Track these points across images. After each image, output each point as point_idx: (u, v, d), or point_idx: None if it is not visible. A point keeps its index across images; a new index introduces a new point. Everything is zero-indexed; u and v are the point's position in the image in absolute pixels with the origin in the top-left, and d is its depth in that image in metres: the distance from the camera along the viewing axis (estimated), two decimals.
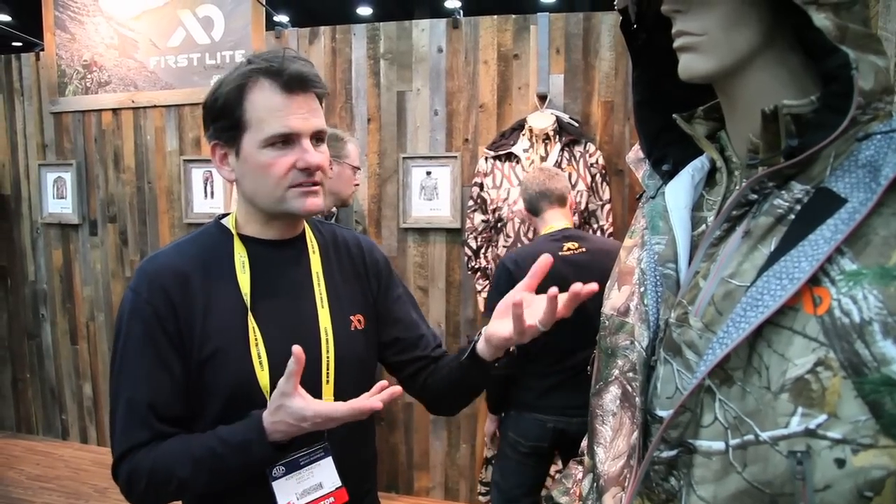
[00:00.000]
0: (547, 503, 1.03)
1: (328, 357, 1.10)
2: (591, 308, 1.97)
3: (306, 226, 1.20)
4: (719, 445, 0.64)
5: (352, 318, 1.17)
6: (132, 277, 1.08)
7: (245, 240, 1.12)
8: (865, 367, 0.56)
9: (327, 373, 1.10)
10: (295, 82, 1.03)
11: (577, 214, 2.76)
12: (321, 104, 1.10)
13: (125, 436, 1.03)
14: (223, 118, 1.06)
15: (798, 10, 0.63)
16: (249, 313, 1.06)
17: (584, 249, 2.04)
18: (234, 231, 1.13)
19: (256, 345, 1.05)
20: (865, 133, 0.63)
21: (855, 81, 0.60)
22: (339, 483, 1.07)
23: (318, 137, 1.07)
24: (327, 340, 1.11)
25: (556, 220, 2.15)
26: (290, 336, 1.07)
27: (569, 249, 2.05)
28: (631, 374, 0.78)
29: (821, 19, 0.60)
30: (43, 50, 3.84)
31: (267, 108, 1.03)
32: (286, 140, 1.04)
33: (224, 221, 1.16)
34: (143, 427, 1.02)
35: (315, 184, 1.06)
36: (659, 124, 0.86)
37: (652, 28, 0.83)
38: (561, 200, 2.17)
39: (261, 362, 1.05)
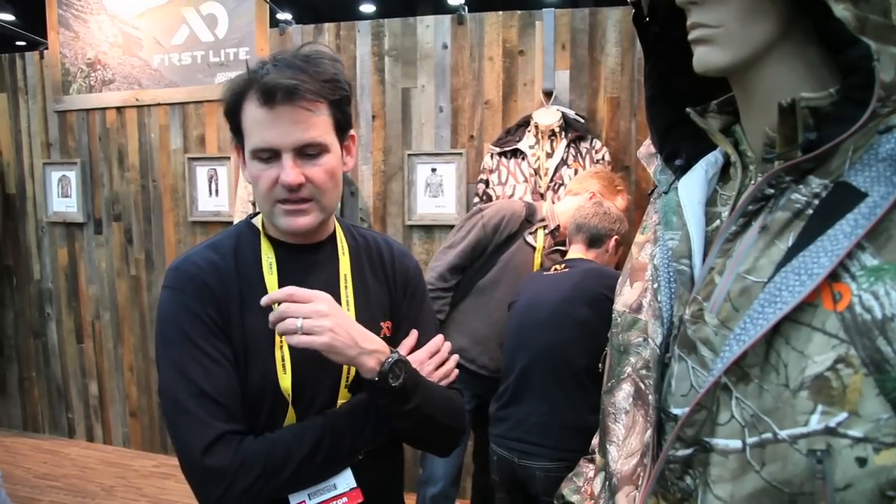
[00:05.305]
0: (558, 501, 1.02)
1: None
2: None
3: (338, 228, 1.18)
4: (736, 444, 0.63)
5: (382, 324, 1.15)
6: (166, 277, 1.06)
7: (272, 241, 1.11)
8: (888, 364, 0.54)
9: (347, 377, 1.08)
10: (270, 95, 0.97)
11: None
12: (334, 110, 1.03)
13: (210, 426, 0.96)
14: (230, 122, 1.06)
15: (815, 1, 0.62)
16: None
17: (567, 269, 2.03)
18: (261, 231, 1.12)
19: (281, 347, 1.04)
20: (886, 126, 0.61)
21: (876, 73, 0.58)
22: (353, 484, 1.05)
23: (307, 151, 1.01)
24: None
25: (574, 253, 2.12)
26: None
27: (555, 269, 2.06)
28: (644, 372, 0.77)
29: (840, 10, 0.59)
30: (47, 48, 3.84)
31: (251, 119, 1.01)
32: (269, 154, 1.00)
33: (255, 221, 1.14)
34: (232, 418, 0.99)
35: (304, 200, 1.02)
36: (671, 119, 0.85)
37: (665, 20, 0.81)
38: (591, 241, 2.10)
39: (284, 365, 1.03)
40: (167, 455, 3.88)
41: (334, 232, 1.17)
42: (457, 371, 1.19)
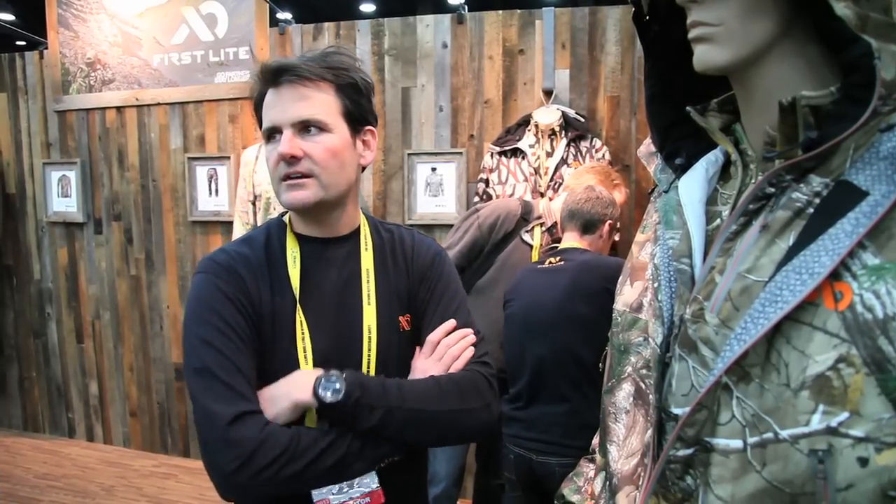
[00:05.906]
0: (558, 501, 1.02)
1: (369, 356, 1.10)
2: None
3: (363, 223, 1.20)
4: (737, 444, 0.63)
5: (400, 318, 1.16)
6: (199, 266, 1.10)
7: (298, 236, 1.14)
8: (889, 363, 0.54)
9: (367, 372, 1.09)
10: (274, 74, 1.05)
11: None
12: (341, 96, 1.08)
13: (243, 399, 0.98)
14: (257, 117, 1.12)
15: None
16: (298, 307, 1.08)
17: (562, 262, 2.00)
18: (288, 226, 1.15)
19: (303, 339, 1.07)
20: (887, 124, 0.61)
21: (877, 71, 0.58)
22: (376, 484, 1.06)
23: (308, 126, 1.05)
24: (370, 339, 1.11)
25: (568, 241, 2.10)
26: (334, 332, 1.08)
27: (549, 262, 2.04)
28: (644, 371, 0.77)
29: (841, 8, 0.58)
30: (47, 48, 3.84)
31: (264, 105, 1.08)
32: (274, 133, 1.06)
33: (284, 217, 1.19)
34: (257, 401, 1.01)
35: (302, 175, 1.05)
36: (671, 118, 0.85)
37: (665, 19, 0.81)
38: (585, 227, 2.07)
39: (305, 356, 1.06)
40: (167, 455, 3.88)
41: (359, 227, 1.19)
42: (472, 350, 1.15)
